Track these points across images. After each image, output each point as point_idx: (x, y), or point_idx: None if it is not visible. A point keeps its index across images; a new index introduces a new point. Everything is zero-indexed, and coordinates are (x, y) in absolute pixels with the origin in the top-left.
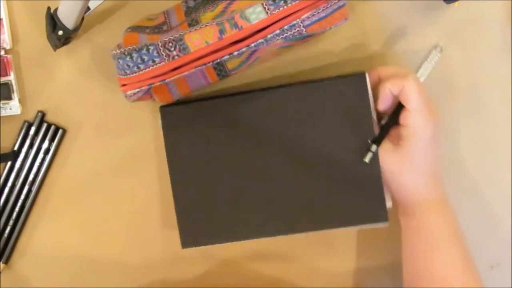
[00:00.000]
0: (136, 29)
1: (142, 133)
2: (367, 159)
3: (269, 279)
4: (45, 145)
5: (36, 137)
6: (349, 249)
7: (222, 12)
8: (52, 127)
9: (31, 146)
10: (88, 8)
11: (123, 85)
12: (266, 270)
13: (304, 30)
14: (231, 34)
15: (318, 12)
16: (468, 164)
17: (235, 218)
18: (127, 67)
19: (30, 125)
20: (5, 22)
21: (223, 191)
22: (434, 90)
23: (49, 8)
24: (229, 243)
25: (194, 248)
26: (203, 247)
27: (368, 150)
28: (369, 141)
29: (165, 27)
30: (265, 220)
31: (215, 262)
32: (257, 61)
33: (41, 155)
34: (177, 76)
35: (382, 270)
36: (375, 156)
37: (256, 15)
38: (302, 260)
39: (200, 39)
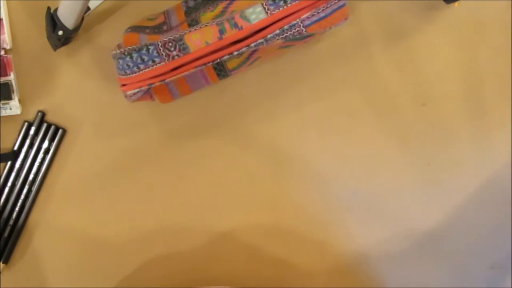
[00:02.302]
0: (136, 29)
1: (142, 133)
2: None
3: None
4: (45, 145)
5: (36, 137)
6: (348, 247)
7: (222, 12)
8: (52, 127)
9: (31, 146)
10: (88, 8)
11: (123, 85)
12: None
13: (304, 30)
14: (231, 34)
15: (318, 12)
16: (468, 164)
17: None
18: (127, 67)
19: (30, 125)
20: (5, 22)
21: None
22: (434, 90)
23: (49, 8)
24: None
25: None
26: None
27: None
28: None
29: (165, 27)
30: None
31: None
32: (257, 61)
33: (41, 155)
34: (177, 76)
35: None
36: None
37: (256, 15)
38: (300, 259)
39: (200, 39)
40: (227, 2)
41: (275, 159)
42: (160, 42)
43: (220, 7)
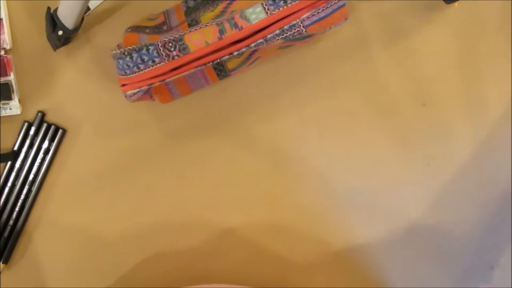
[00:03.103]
0: (136, 29)
1: (142, 133)
2: None
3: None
4: (45, 145)
5: (36, 137)
6: (348, 248)
7: (222, 12)
8: (52, 127)
9: (31, 146)
10: (88, 8)
11: (123, 85)
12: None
13: (304, 30)
14: (231, 34)
15: (318, 12)
16: (468, 164)
17: None
18: (127, 67)
19: (30, 125)
20: (5, 22)
21: None
22: (434, 90)
23: (49, 8)
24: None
25: None
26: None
27: None
28: None
29: (165, 27)
30: None
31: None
32: (257, 61)
33: (41, 155)
34: (177, 76)
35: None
36: None
37: (256, 15)
38: (301, 259)
39: (200, 39)
40: (227, 2)
41: (275, 159)
42: (160, 42)
43: (220, 7)
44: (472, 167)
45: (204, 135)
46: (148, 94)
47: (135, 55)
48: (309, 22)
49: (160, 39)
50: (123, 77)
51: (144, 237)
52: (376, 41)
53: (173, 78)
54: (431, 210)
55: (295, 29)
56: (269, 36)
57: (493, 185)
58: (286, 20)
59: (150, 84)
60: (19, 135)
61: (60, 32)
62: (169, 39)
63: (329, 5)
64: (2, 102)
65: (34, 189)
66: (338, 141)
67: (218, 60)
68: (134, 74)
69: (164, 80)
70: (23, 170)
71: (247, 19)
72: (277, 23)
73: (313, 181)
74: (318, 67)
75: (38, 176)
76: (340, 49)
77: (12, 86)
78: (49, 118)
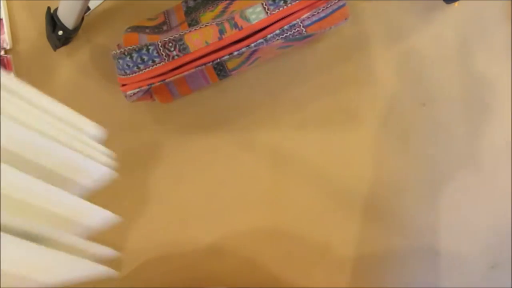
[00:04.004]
0: (136, 29)
1: (142, 133)
2: None
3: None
4: None
5: None
6: (348, 250)
7: (222, 12)
8: None
9: None
10: (88, 8)
11: (123, 85)
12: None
13: (304, 30)
14: (231, 34)
15: (318, 12)
16: (468, 164)
17: None
18: (127, 67)
19: None
20: (5, 22)
21: None
22: (433, 89)
23: (49, 8)
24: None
25: None
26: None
27: None
28: None
29: (165, 27)
30: None
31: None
32: (257, 61)
33: None
34: (177, 76)
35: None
36: None
37: (256, 15)
38: (300, 260)
39: (200, 39)
40: (227, 2)
41: (275, 159)
42: (160, 42)
43: (220, 7)
44: (472, 167)
45: (204, 135)
46: (148, 94)
47: (135, 55)
48: (309, 22)
49: (160, 39)
50: (123, 77)
51: (144, 237)
52: (376, 41)
53: (173, 78)
54: (430, 210)
55: (295, 29)
56: (269, 36)
57: (493, 185)
58: (286, 20)
59: (150, 84)
60: None
61: (60, 32)
62: (169, 39)
63: (329, 5)
64: None
65: None
66: (338, 141)
67: (218, 60)
68: (134, 74)
69: (164, 80)
70: None
71: (247, 19)
72: (277, 23)
73: (313, 181)
74: (319, 67)
75: None
76: (340, 49)
77: None
78: None
